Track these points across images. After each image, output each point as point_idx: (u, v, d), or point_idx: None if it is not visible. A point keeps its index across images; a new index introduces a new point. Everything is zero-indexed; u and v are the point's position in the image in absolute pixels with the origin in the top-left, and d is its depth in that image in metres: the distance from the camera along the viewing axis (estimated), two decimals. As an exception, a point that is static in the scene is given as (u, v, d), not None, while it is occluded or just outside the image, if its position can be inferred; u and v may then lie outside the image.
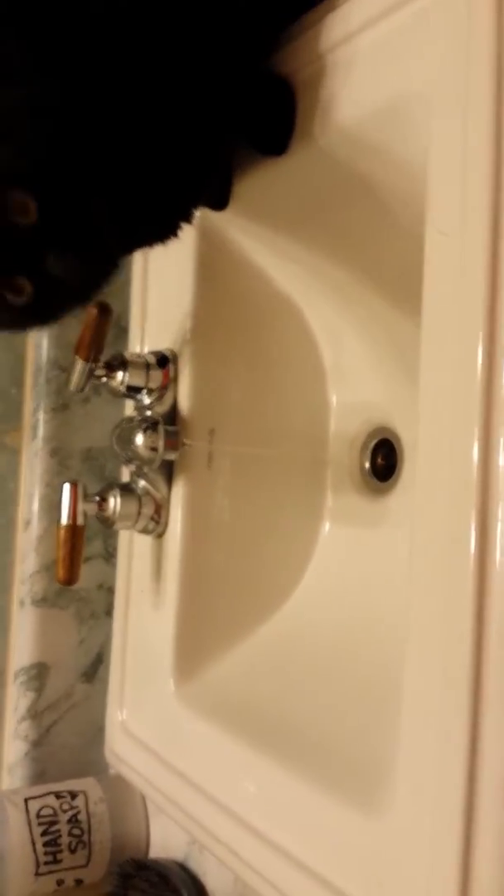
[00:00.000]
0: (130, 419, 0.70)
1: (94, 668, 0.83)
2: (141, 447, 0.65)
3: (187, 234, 0.58)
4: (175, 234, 0.57)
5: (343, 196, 0.56)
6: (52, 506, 0.81)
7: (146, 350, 0.74)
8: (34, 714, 0.80)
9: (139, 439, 0.65)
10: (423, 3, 0.43)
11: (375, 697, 0.55)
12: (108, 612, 0.82)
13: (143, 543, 0.73)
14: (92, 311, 0.65)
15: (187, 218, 0.57)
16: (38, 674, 0.80)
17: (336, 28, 0.50)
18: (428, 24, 0.43)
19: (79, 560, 0.68)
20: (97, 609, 0.83)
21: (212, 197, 0.63)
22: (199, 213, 0.63)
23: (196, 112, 0.52)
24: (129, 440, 0.67)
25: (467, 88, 0.40)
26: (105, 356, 0.68)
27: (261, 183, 0.60)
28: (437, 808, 0.40)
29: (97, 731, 0.81)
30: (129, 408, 0.79)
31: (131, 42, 0.48)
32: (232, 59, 0.52)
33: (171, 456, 0.67)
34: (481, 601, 0.38)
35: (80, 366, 0.67)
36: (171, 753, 0.66)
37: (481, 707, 0.38)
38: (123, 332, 0.78)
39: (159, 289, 0.76)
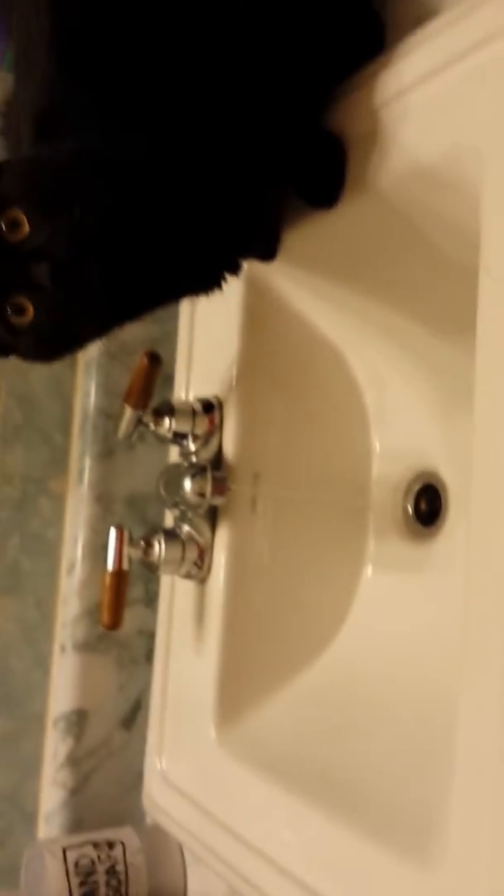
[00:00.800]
0: (177, 465, 0.71)
1: (133, 715, 0.82)
2: (189, 492, 0.66)
3: (234, 281, 0.60)
4: (219, 286, 0.58)
5: (392, 245, 0.57)
6: (95, 551, 0.82)
7: (192, 396, 0.75)
8: (73, 761, 0.80)
9: (187, 484, 0.66)
10: (479, 59, 0.45)
11: (422, 746, 0.55)
12: (148, 657, 0.82)
13: (185, 588, 0.74)
14: (142, 359, 0.66)
15: (233, 270, 0.59)
16: (78, 720, 0.80)
17: (389, 84, 0.52)
18: (483, 80, 0.45)
19: (123, 605, 0.68)
20: (137, 655, 0.83)
21: (260, 248, 0.65)
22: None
23: (245, 165, 0.54)
24: (177, 485, 0.68)
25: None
26: (153, 403, 0.70)
27: (309, 233, 0.62)
28: (493, 858, 0.39)
29: (135, 779, 0.80)
30: (173, 454, 0.80)
31: (186, 92, 0.50)
32: (284, 113, 0.55)
33: (218, 501, 0.68)
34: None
35: (128, 413, 0.68)
36: (211, 801, 0.65)
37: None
38: (168, 378, 0.80)
39: (205, 336, 0.78)
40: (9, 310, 0.47)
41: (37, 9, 0.52)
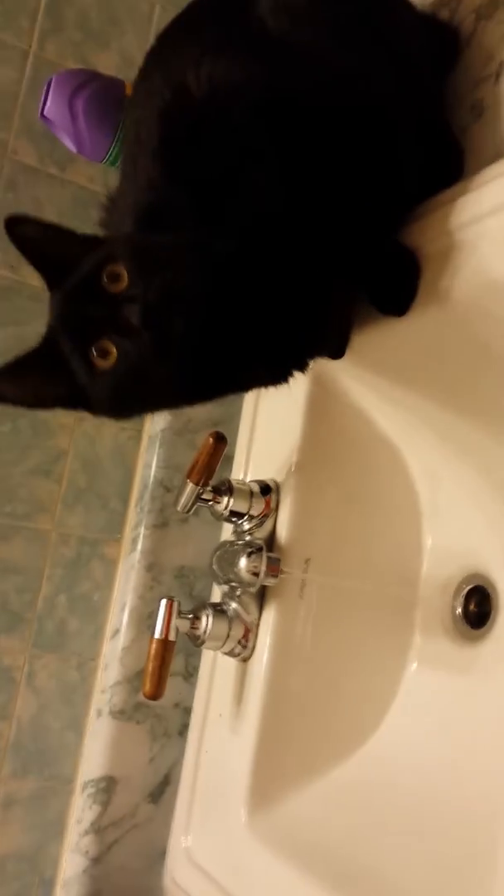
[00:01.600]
0: (232, 542, 0.73)
1: (161, 789, 0.82)
2: (243, 570, 0.68)
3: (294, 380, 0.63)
4: (286, 381, 0.62)
5: (458, 354, 0.60)
6: (140, 618, 0.84)
7: (249, 478, 0.78)
8: (97, 829, 0.79)
9: (242, 563, 0.68)
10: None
11: (457, 851, 0.54)
12: (181, 732, 0.83)
13: (227, 666, 0.75)
14: (209, 439, 0.70)
15: (301, 368, 0.62)
16: (107, 787, 0.80)
17: (468, 209, 0.55)
18: None
19: (167, 675, 0.69)
20: (170, 728, 0.83)
21: (330, 348, 0.68)
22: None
23: (323, 274, 0.57)
24: (231, 562, 0.70)
25: None
26: (213, 482, 0.72)
27: (378, 337, 0.66)
28: None
29: (157, 856, 0.79)
30: (225, 531, 0.82)
31: (277, 204, 0.54)
32: (364, 229, 0.59)
33: (271, 582, 0.69)
34: None
35: (189, 488, 0.71)
36: (235, 886, 0.64)
37: None
38: (228, 459, 0.83)
39: (267, 421, 0.81)
40: (94, 352, 0.52)
41: (149, 117, 0.58)
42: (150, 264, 0.51)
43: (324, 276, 0.57)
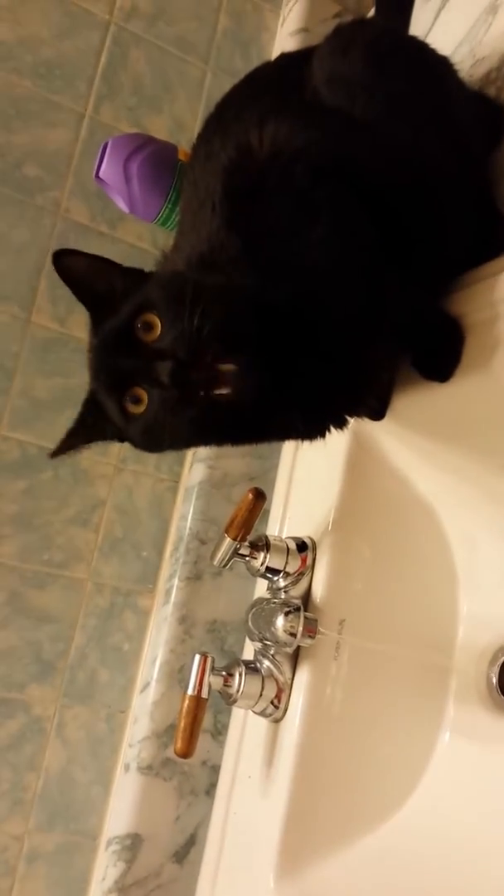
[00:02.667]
0: (268, 600, 0.73)
1: (187, 850, 0.81)
2: (280, 629, 0.68)
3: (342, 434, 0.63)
4: (323, 437, 0.62)
5: (499, 419, 0.60)
6: (171, 672, 0.83)
7: (285, 534, 0.78)
8: (121, 888, 0.78)
9: (279, 622, 0.68)
10: None
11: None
12: (209, 791, 0.82)
13: (257, 726, 0.74)
14: (248, 494, 0.70)
15: (340, 425, 0.62)
16: (132, 845, 0.79)
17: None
18: None
19: (198, 733, 0.68)
20: (197, 786, 0.82)
21: (371, 409, 0.69)
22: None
23: (367, 335, 0.58)
24: (268, 620, 0.69)
25: None
26: (250, 537, 0.72)
27: (420, 400, 0.66)
28: None
29: (180, 919, 0.78)
30: (259, 587, 0.82)
31: (326, 264, 0.56)
32: (409, 295, 0.60)
33: (307, 643, 0.69)
34: None
35: (227, 543, 0.71)
36: None
37: None
38: (264, 513, 0.83)
39: (305, 477, 0.81)
40: (128, 399, 0.54)
41: (211, 174, 0.60)
42: (184, 310, 0.51)
43: (368, 337, 0.58)
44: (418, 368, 0.65)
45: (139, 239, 0.92)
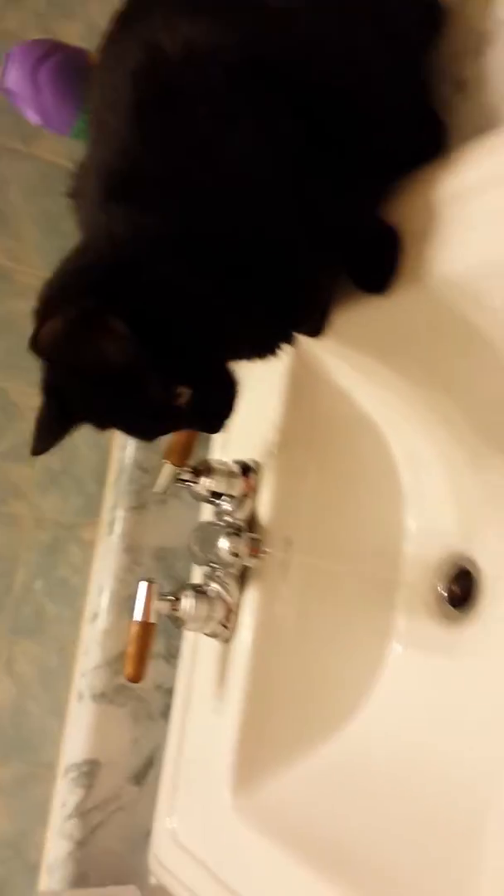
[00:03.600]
0: (211, 523, 0.72)
1: (145, 772, 0.82)
2: (223, 551, 0.68)
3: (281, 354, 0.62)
4: (274, 353, 0.61)
5: (441, 335, 0.60)
6: (120, 602, 0.83)
7: (229, 458, 0.77)
8: (81, 813, 0.79)
9: (223, 543, 0.67)
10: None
11: (441, 830, 0.55)
12: (164, 713, 0.83)
13: (209, 647, 0.74)
14: (187, 420, 0.68)
15: (288, 341, 0.61)
16: (89, 771, 0.80)
17: (450, 185, 0.55)
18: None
19: (148, 658, 0.69)
20: (153, 710, 0.83)
21: (309, 325, 0.67)
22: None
23: (306, 251, 0.56)
24: (211, 543, 0.69)
25: None
26: (191, 462, 0.71)
27: (359, 315, 0.64)
28: None
29: (142, 837, 0.80)
30: (204, 511, 0.81)
31: (253, 175, 0.53)
32: (346, 206, 0.57)
33: (251, 562, 0.69)
34: None
35: (167, 469, 0.70)
36: (221, 866, 0.65)
37: None
38: (206, 438, 0.82)
39: (247, 400, 0.79)
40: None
41: (119, 79, 0.55)
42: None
43: (304, 250, 0.56)
44: (355, 281, 0.63)
45: (56, 155, 0.87)
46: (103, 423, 0.58)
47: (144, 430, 0.60)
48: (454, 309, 0.56)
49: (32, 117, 0.78)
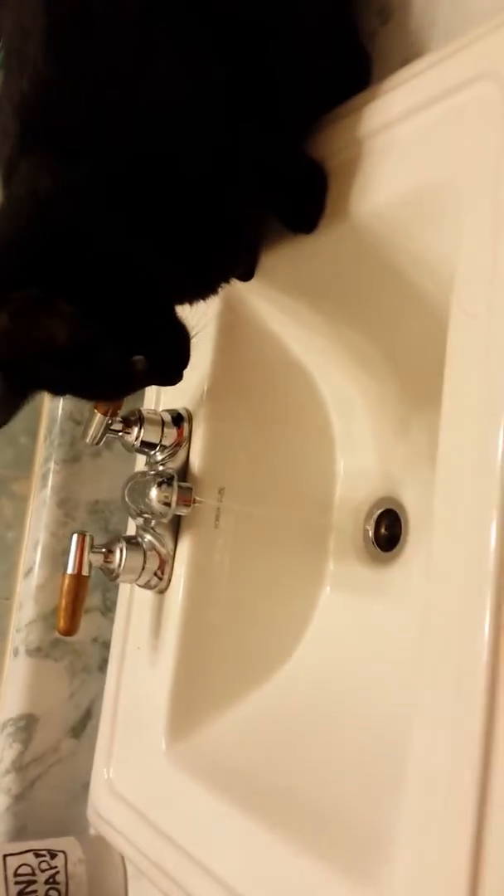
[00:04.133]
0: (144, 473, 0.71)
1: (83, 724, 0.82)
2: (154, 501, 0.67)
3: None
4: (216, 294, 0.60)
5: (368, 274, 0.59)
6: (54, 555, 0.82)
7: (161, 407, 0.76)
8: (18, 767, 0.79)
9: (153, 493, 0.66)
10: (460, 99, 0.47)
11: (373, 766, 0.55)
12: (101, 667, 0.82)
13: (144, 599, 0.74)
14: (113, 367, 0.67)
15: (227, 280, 0.60)
16: (26, 725, 0.79)
17: (375, 117, 0.53)
18: (463, 120, 0.46)
19: (80, 611, 0.68)
20: (90, 663, 0.83)
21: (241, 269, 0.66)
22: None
23: (230, 189, 0.54)
24: (142, 493, 0.68)
25: (497, 180, 0.43)
26: (122, 412, 0.70)
27: (287, 256, 0.63)
28: (438, 879, 0.40)
29: (81, 789, 0.79)
30: (139, 463, 0.80)
31: (175, 104, 0.51)
32: (269, 141, 0.56)
33: (183, 511, 0.68)
34: (494, 677, 0.39)
35: (97, 419, 0.69)
36: (157, 814, 0.65)
37: (490, 782, 0.38)
38: (138, 388, 0.80)
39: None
40: None
41: (34, 3, 0.52)
42: None
43: (229, 187, 0.54)
44: (283, 220, 0.61)
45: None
46: (60, 393, 0.58)
47: (104, 397, 0.60)
48: (378, 244, 0.55)
49: None
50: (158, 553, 0.70)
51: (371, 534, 0.70)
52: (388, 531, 0.69)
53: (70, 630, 0.67)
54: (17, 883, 0.69)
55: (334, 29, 0.59)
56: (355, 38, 0.60)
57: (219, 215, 0.54)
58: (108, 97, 0.50)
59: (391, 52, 0.58)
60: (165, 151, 0.51)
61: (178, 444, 0.71)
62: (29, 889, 0.69)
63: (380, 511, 0.70)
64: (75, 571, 0.68)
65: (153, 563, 0.69)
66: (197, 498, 0.68)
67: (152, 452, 0.71)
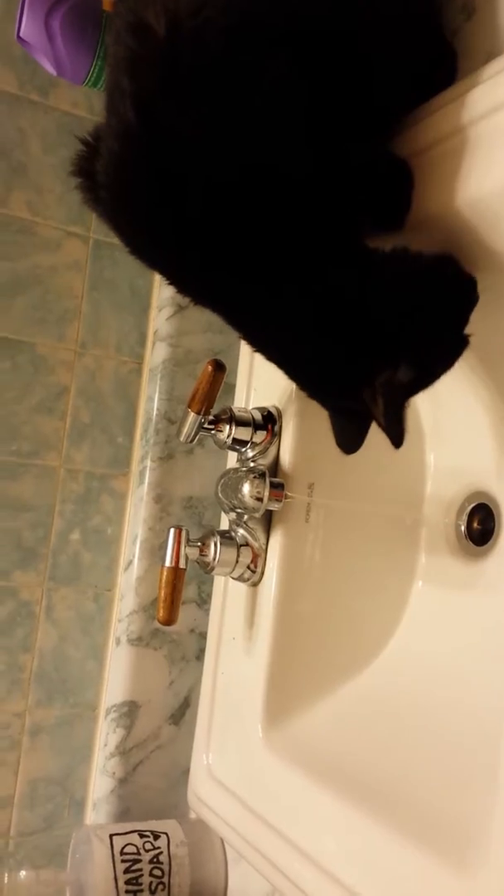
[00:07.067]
0: (236, 469, 0.73)
1: (182, 712, 0.85)
2: (247, 496, 0.68)
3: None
4: None
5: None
6: (152, 549, 0.85)
7: (251, 406, 0.77)
8: (122, 752, 0.82)
9: (246, 488, 0.68)
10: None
11: (465, 760, 0.56)
12: (199, 656, 0.85)
13: (238, 591, 0.76)
14: (207, 367, 0.69)
15: None
16: (129, 712, 0.83)
17: (462, 113, 0.53)
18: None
19: (178, 602, 0.70)
20: (188, 653, 0.86)
21: None
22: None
23: (318, 189, 0.55)
24: (235, 489, 0.70)
25: None
26: (214, 410, 0.72)
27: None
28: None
29: (180, 774, 0.83)
30: (230, 460, 0.82)
31: (269, 116, 0.52)
32: (358, 140, 0.56)
33: (275, 506, 0.70)
34: None
35: (191, 418, 0.71)
36: (255, 800, 0.67)
37: None
38: (230, 388, 0.82)
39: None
40: None
41: (120, 59, 0.52)
42: None
43: (320, 193, 0.55)
44: (371, 219, 0.62)
45: (74, 106, 0.86)
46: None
47: None
48: (468, 237, 0.54)
49: (48, 67, 0.78)
50: (251, 547, 0.72)
51: (464, 528, 0.70)
52: (481, 525, 0.69)
53: (169, 620, 0.70)
54: (123, 861, 0.73)
55: (419, 26, 0.59)
56: (440, 34, 0.60)
57: (302, 216, 0.55)
58: (207, 149, 0.51)
59: (476, 47, 0.57)
60: (262, 174, 0.51)
61: (268, 442, 0.73)
62: (134, 867, 0.73)
63: (472, 505, 0.70)
64: (173, 564, 0.70)
65: (246, 557, 0.72)
66: (288, 493, 0.70)
67: (243, 449, 0.73)
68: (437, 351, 0.57)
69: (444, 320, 0.56)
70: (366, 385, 0.55)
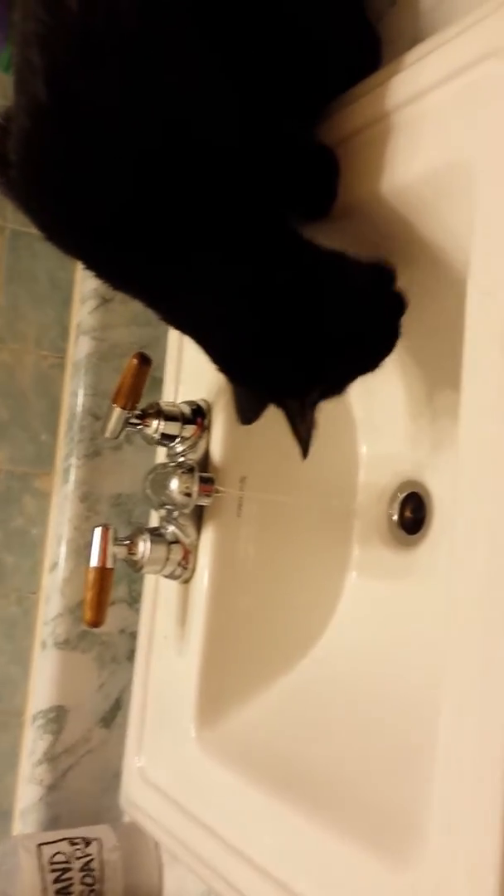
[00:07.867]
0: (165, 465, 0.72)
1: (113, 714, 0.83)
2: (175, 492, 0.67)
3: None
4: None
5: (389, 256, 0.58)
6: (79, 549, 0.82)
7: (180, 400, 0.76)
8: (50, 758, 0.80)
9: (174, 484, 0.67)
10: (472, 77, 0.47)
11: (402, 749, 0.56)
12: (130, 657, 0.83)
13: (169, 589, 0.74)
14: (132, 360, 0.67)
15: None
16: (57, 717, 0.81)
17: (385, 98, 0.53)
18: (476, 98, 0.46)
19: (106, 602, 0.68)
20: (118, 654, 0.83)
21: None
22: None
23: (239, 176, 0.54)
24: (164, 484, 0.68)
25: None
26: (141, 405, 0.70)
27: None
28: (470, 859, 0.40)
29: (113, 778, 0.80)
30: (160, 456, 0.81)
31: (186, 108, 0.51)
32: (279, 127, 0.55)
33: (205, 501, 0.68)
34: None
35: (116, 413, 0.69)
36: (189, 800, 0.66)
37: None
38: (158, 382, 0.80)
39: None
40: None
41: (30, 35, 0.50)
42: None
43: (242, 181, 0.54)
44: (295, 208, 0.61)
45: None
46: None
47: None
48: (392, 226, 0.54)
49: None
50: (182, 544, 0.70)
51: (396, 517, 0.70)
52: (413, 515, 0.69)
53: (97, 622, 0.68)
54: (52, 871, 0.70)
55: (343, 10, 0.58)
56: (364, 19, 0.60)
57: (229, 203, 0.54)
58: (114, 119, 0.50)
59: (400, 33, 0.57)
60: (178, 158, 0.50)
61: (198, 436, 0.72)
62: (64, 876, 0.71)
63: (404, 495, 0.70)
64: (99, 564, 0.68)
65: (177, 554, 0.70)
66: (218, 488, 0.69)
67: (172, 444, 0.72)
68: (364, 366, 0.58)
69: (377, 335, 0.57)
70: (291, 395, 0.55)
